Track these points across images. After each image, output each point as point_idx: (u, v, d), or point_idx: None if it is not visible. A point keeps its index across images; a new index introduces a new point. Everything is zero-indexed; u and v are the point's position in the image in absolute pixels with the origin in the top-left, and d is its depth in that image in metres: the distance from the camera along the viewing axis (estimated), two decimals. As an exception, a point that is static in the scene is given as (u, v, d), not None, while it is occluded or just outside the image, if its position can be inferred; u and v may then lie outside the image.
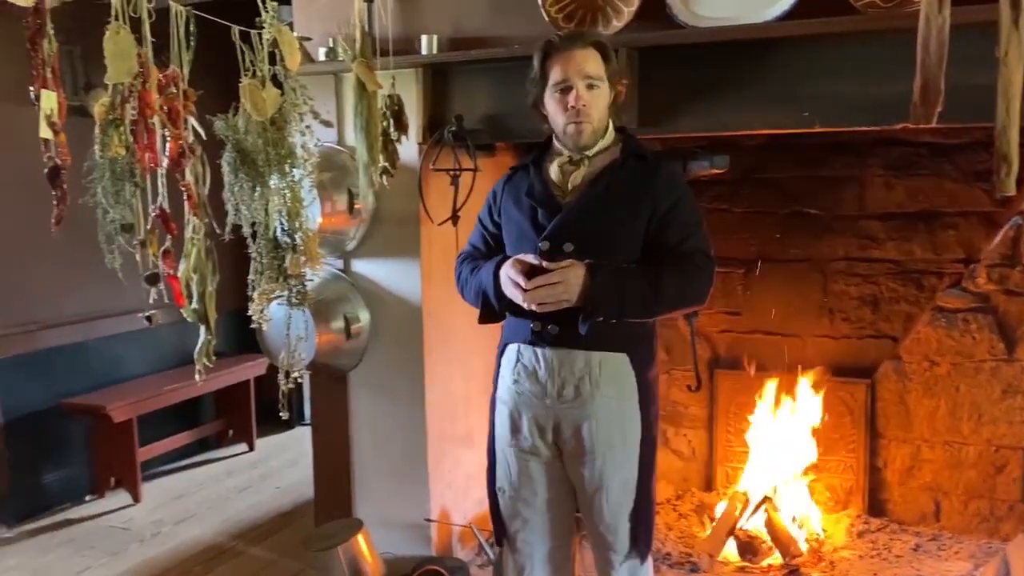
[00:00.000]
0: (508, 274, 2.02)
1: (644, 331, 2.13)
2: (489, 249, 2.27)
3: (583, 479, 2.13)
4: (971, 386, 3.23)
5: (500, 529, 2.29)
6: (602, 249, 2.04)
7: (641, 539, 2.15)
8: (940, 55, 1.91)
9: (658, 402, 2.19)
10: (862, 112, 2.42)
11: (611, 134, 2.15)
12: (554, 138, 2.17)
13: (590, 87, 2.04)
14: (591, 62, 2.04)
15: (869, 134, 3.15)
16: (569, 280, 1.95)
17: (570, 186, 2.11)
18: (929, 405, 3.30)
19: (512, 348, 2.17)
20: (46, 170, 1.70)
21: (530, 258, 2.01)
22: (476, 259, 2.26)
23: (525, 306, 1.99)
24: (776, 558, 3.12)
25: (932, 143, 3.21)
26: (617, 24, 2.64)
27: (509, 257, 2.07)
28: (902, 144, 3.25)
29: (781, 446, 3.38)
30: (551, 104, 2.09)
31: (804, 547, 3.15)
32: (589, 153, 2.11)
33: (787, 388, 3.44)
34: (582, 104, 2.03)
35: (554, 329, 2.05)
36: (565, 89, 2.04)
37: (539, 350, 2.10)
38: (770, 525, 3.14)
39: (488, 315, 2.20)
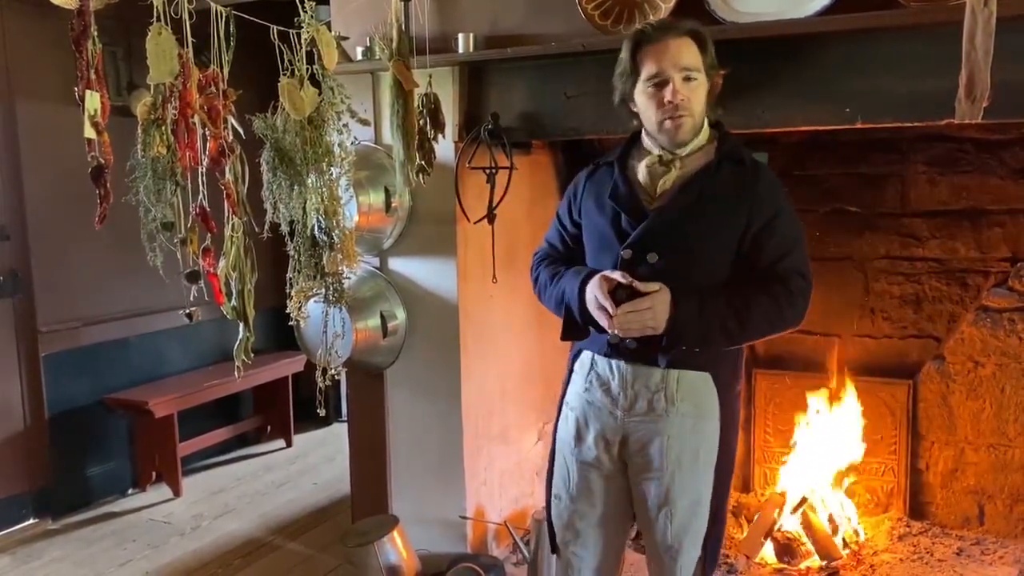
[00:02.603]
0: (596, 295, 1.89)
1: (731, 349, 2.01)
2: (568, 250, 2.16)
3: (647, 496, 2.03)
4: (1017, 387, 3.16)
5: (555, 539, 2.19)
6: (689, 261, 1.92)
7: (709, 564, 2.04)
8: (986, 49, 1.87)
9: (739, 421, 2.08)
10: (905, 108, 2.37)
11: (706, 131, 1.99)
12: (644, 135, 2.02)
13: (687, 79, 1.88)
14: (687, 53, 1.89)
15: (912, 130, 3.09)
16: (657, 307, 1.84)
17: (659, 191, 1.95)
18: (973, 407, 3.24)
19: (587, 355, 2.08)
20: (90, 169, 1.73)
21: (617, 275, 1.88)
22: (555, 261, 2.15)
23: (611, 332, 1.89)
24: (814, 560, 3.08)
25: (977, 139, 3.14)
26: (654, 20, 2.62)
27: (595, 272, 1.94)
28: (946, 140, 3.19)
29: (820, 447, 3.33)
30: (643, 99, 1.93)
31: (843, 550, 3.10)
32: (682, 153, 1.95)
33: (826, 388, 3.39)
34: (680, 99, 1.87)
35: (632, 343, 1.94)
36: (660, 83, 1.88)
37: (614, 362, 2.00)
38: (808, 527, 3.10)
39: (572, 332, 2.06)
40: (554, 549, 2.21)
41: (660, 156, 1.96)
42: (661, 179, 1.96)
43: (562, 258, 2.16)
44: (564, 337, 2.10)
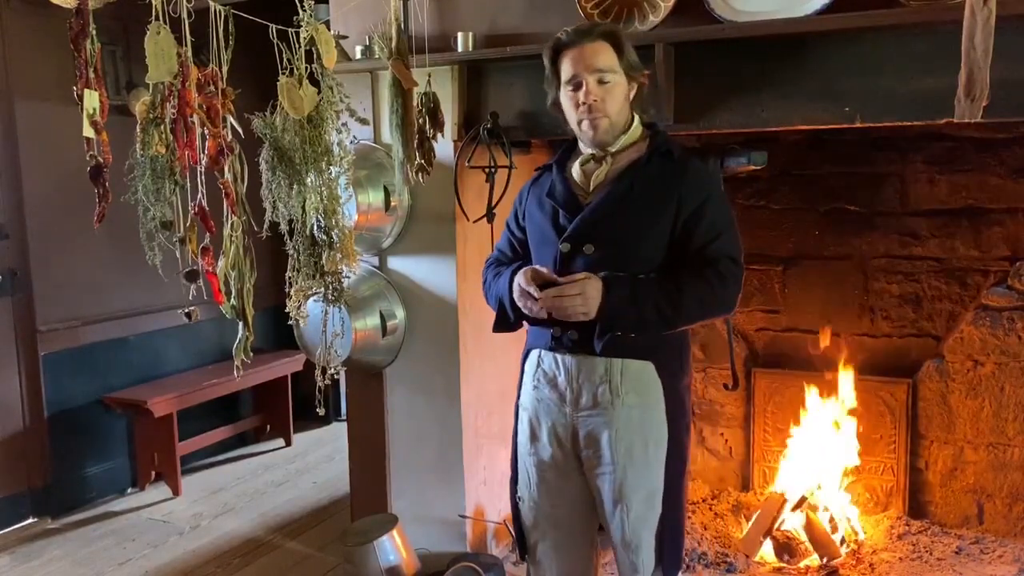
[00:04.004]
0: (519, 282, 1.96)
1: (674, 336, 2.03)
2: (516, 254, 2.22)
3: (602, 492, 2.05)
4: (1016, 386, 3.16)
5: (522, 542, 2.22)
6: (624, 251, 1.97)
7: (667, 559, 2.05)
8: (986, 48, 1.87)
9: (689, 413, 2.10)
10: (905, 107, 2.37)
11: (637, 129, 2.06)
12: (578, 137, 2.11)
13: (601, 81, 1.96)
14: (601, 55, 1.96)
15: (911, 129, 3.09)
16: (588, 292, 1.88)
17: (592, 185, 2.04)
18: (972, 406, 3.24)
19: (534, 354, 2.12)
20: (89, 168, 1.73)
21: (543, 270, 1.95)
22: (502, 264, 2.21)
23: (532, 314, 1.95)
24: (814, 559, 3.08)
25: (976, 138, 3.14)
26: (654, 19, 2.63)
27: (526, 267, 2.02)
28: (945, 139, 3.19)
29: (820, 446, 3.33)
30: (565, 102, 2.03)
31: (843, 549, 3.11)
32: (612, 149, 2.03)
33: (826, 387, 3.39)
34: (592, 99, 1.95)
35: (573, 335, 1.99)
36: (576, 85, 1.98)
37: (559, 356, 2.04)
38: (808, 526, 3.11)
39: (502, 324, 2.14)
40: (521, 555, 2.24)
41: (592, 154, 2.05)
42: (594, 174, 2.04)
43: (509, 262, 2.20)
44: (495, 328, 2.17)
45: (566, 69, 1.99)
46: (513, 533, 2.28)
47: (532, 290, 1.91)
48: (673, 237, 1.98)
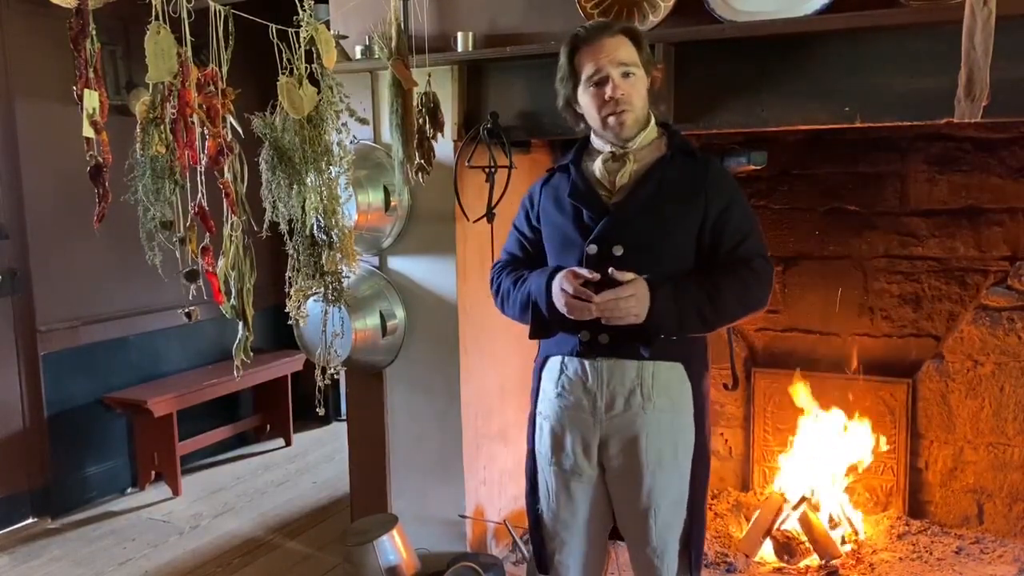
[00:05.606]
0: (563, 287, 1.88)
1: (700, 338, 2.03)
2: (528, 256, 2.16)
3: (630, 499, 2.01)
4: (1016, 386, 3.16)
5: (541, 553, 2.17)
6: (653, 252, 1.93)
7: (692, 563, 2.04)
8: (986, 48, 1.87)
9: (710, 414, 2.08)
10: (905, 107, 2.37)
11: (654, 127, 2.03)
12: (592, 136, 2.06)
13: (626, 75, 1.92)
14: (623, 49, 1.93)
15: (911, 129, 3.09)
16: (640, 293, 1.84)
17: (617, 185, 1.99)
18: (972, 405, 3.24)
19: (555, 360, 2.05)
20: (88, 168, 1.73)
21: (584, 272, 1.87)
22: (516, 268, 2.14)
23: (581, 318, 1.88)
24: (814, 559, 3.08)
25: (976, 138, 3.14)
26: (654, 19, 2.62)
27: (560, 268, 1.95)
28: (945, 139, 3.19)
29: (820, 446, 3.33)
30: (586, 99, 1.97)
31: (843, 548, 3.11)
32: (632, 146, 1.98)
33: (826, 387, 3.39)
34: (620, 93, 1.91)
35: (604, 339, 1.94)
36: (600, 81, 1.92)
37: (588, 361, 1.98)
38: (808, 526, 3.11)
39: (540, 330, 2.05)
40: (541, 567, 2.19)
41: (613, 152, 2.01)
42: (618, 174, 2.00)
43: (523, 264, 2.15)
44: (532, 336, 2.08)
45: (588, 65, 1.94)
46: (527, 545, 2.23)
47: (589, 294, 1.84)
48: (700, 239, 1.97)
